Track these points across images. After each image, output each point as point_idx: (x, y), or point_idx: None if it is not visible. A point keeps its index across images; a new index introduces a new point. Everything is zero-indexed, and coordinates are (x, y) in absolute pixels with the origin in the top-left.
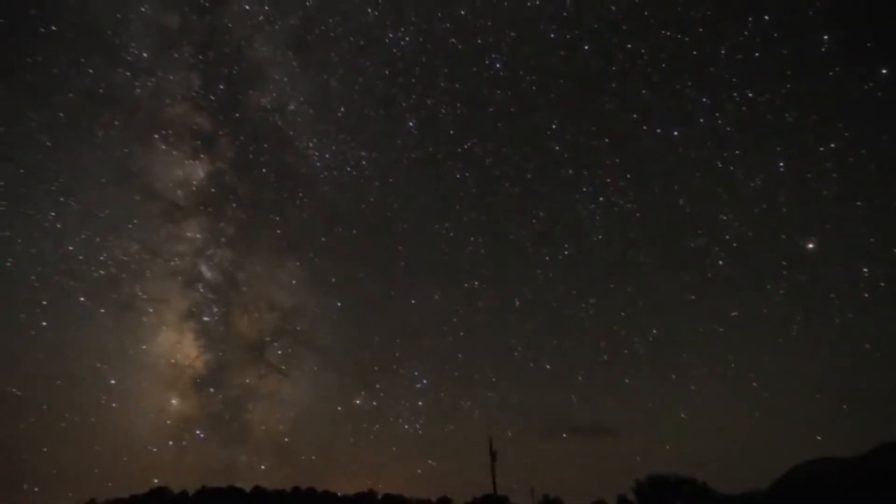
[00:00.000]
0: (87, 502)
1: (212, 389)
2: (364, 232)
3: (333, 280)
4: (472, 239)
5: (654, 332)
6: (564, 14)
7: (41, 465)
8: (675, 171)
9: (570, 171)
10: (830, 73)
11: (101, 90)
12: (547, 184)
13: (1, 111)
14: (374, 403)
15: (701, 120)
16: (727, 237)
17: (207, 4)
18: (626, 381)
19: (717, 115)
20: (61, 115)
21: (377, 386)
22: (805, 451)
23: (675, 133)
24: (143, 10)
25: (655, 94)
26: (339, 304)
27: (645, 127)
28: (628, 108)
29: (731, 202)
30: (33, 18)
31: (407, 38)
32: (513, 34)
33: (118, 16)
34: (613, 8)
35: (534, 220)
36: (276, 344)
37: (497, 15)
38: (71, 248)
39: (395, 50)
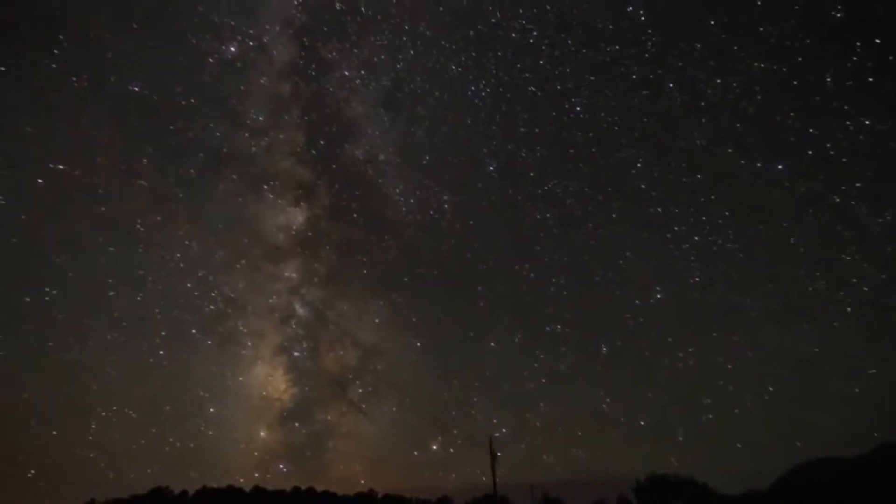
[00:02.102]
0: (87, 502)
1: (296, 423)
2: (445, 273)
3: (414, 320)
4: (553, 280)
5: (770, 389)
6: (646, 56)
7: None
8: (782, 207)
9: (659, 210)
10: None
11: (224, 149)
12: (635, 223)
13: (149, 170)
14: (451, 451)
15: (809, 151)
16: (854, 280)
17: (314, 73)
18: (738, 444)
19: (828, 145)
20: (192, 171)
21: (454, 432)
22: (805, 451)
23: (780, 167)
24: (262, 81)
25: (752, 127)
26: (418, 345)
27: (742, 161)
28: (722, 143)
29: (855, 240)
30: (178, 94)
31: (487, 90)
32: (592, 78)
33: (241, 87)
34: (699, 45)
35: (620, 262)
36: (357, 382)
37: (575, 62)
38: (189, 284)
39: (476, 101)
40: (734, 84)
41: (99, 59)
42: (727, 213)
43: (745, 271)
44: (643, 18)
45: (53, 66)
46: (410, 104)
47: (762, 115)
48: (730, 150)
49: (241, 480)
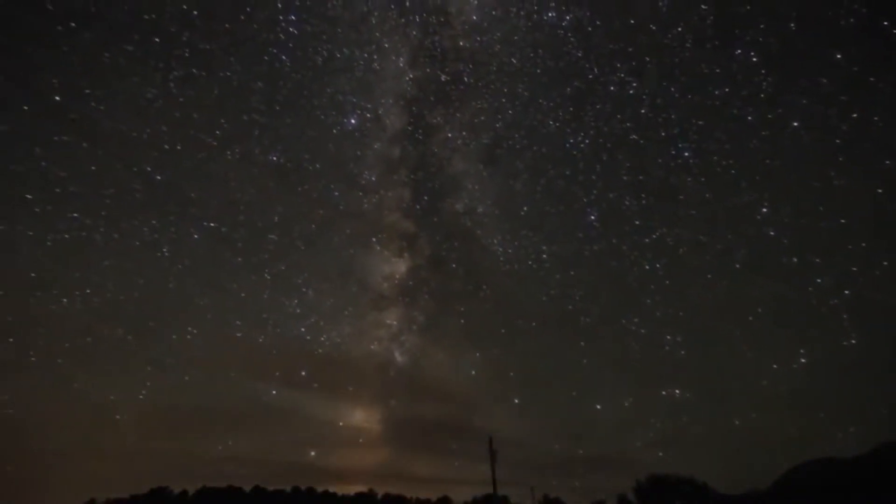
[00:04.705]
0: (87, 502)
1: (390, 478)
2: (545, 325)
3: (512, 374)
4: (668, 338)
5: None
6: (761, 96)
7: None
8: None
9: (795, 260)
10: None
11: (341, 206)
12: (765, 274)
13: (279, 226)
14: None
15: None
16: None
17: (420, 137)
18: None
19: None
20: (313, 226)
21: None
22: (805, 451)
23: None
24: (375, 147)
25: None
26: (516, 401)
27: None
28: (869, 183)
29: None
30: (306, 161)
31: (586, 141)
32: (700, 123)
33: (358, 153)
34: (825, 80)
35: (750, 318)
36: (450, 438)
37: (681, 107)
38: (303, 329)
39: (575, 152)
40: (875, 118)
41: (249, 134)
42: (885, 263)
43: None
44: (754, 60)
45: (214, 143)
46: (509, 159)
47: None
48: (879, 191)
49: None
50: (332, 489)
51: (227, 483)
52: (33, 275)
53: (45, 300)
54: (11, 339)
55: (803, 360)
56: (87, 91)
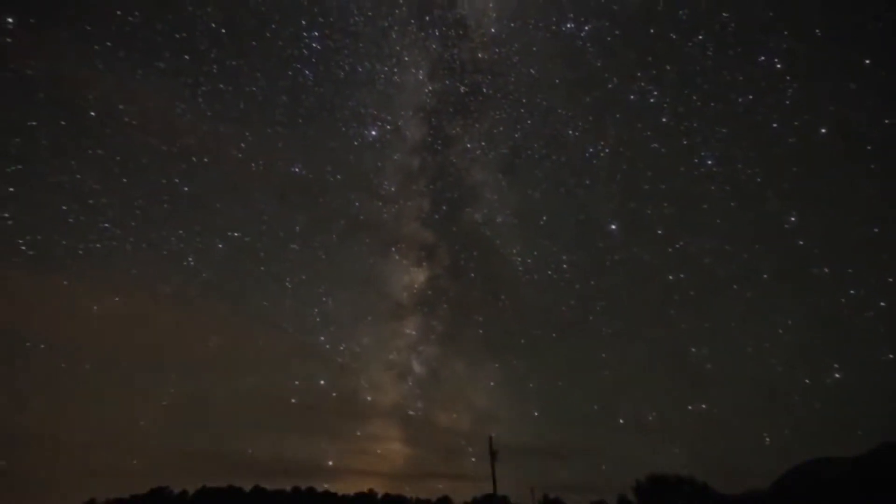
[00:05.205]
0: (87, 502)
1: (407, 488)
2: (564, 336)
3: (531, 385)
4: (693, 350)
5: None
6: (787, 102)
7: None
8: None
9: (827, 270)
10: None
11: (361, 217)
12: (794, 286)
13: (300, 236)
14: None
15: None
16: None
17: (439, 148)
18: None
19: None
20: (333, 236)
21: None
22: (805, 451)
23: None
24: (395, 158)
25: None
26: (535, 414)
27: None
28: None
29: None
30: (327, 172)
31: (607, 150)
32: (724, 130)
33: (378, 164)
34: (853, 86)
35: (780, 331)
36: (470, 449)
37: (703, 115)
38: (322, 338)
39: (594, 161)
40: None
41: (272, 146)
42: None
43: None
44: (778, 66)
45: (239, 155)
46: (528, 168)
47: None
48: None
49: None
50: (332, 489)
51: (227, 483)
52: (65, 283)
53: (74, 308)
54: (43, 346)
55: (837, 376)
56: (121, 107)
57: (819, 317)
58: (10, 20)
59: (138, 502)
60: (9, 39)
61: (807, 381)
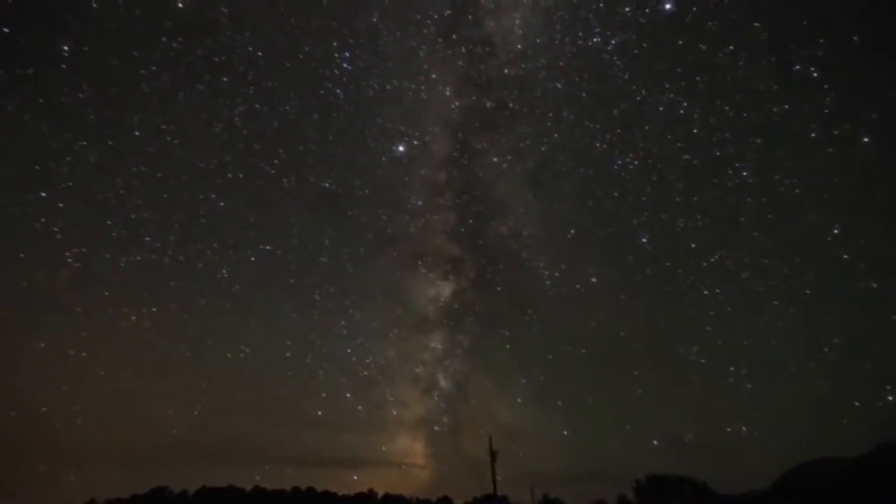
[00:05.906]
0: (87, 502)
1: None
2: (594, 352)
3: (560, 403)
4: (732, 369)
5: None
6: (825, 111)
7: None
8: None
9: (874, 285)
10: None
11: (388, 230)
12: (839, 301)
13: (329, 249)
14: None
15: None
16: None
17: (466, 162)
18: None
19: None
20: (361, 249)
21: None
22: (805, 451)
23: None
24: (422, 172)
25: None
26: (565, 433)
27: None
28: None
29: None
30: (356, 187)
31: (636, 163)
32: (758, 141)
33: (406, 178)
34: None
35: (826, 349)
36: (497, 467)
37: (736, 126)
38: (349, 350)
39: (623, 174)
40: None
41: (304, 163)
42: None
43: None
44: (815, 75)
45: (272, 171)
46: (555, 182)
47: None
48: None
49: None
50: (332, 489)
51: (227, 483)
52: (106, 294)
53: (115, 318)
54: (84, 354)
55: (890, 398)
56: (163, 126)
57: (867, 335)
58: (65, 48)
59: (138, 502)
60: (64, 66)
61: (856, 403)
